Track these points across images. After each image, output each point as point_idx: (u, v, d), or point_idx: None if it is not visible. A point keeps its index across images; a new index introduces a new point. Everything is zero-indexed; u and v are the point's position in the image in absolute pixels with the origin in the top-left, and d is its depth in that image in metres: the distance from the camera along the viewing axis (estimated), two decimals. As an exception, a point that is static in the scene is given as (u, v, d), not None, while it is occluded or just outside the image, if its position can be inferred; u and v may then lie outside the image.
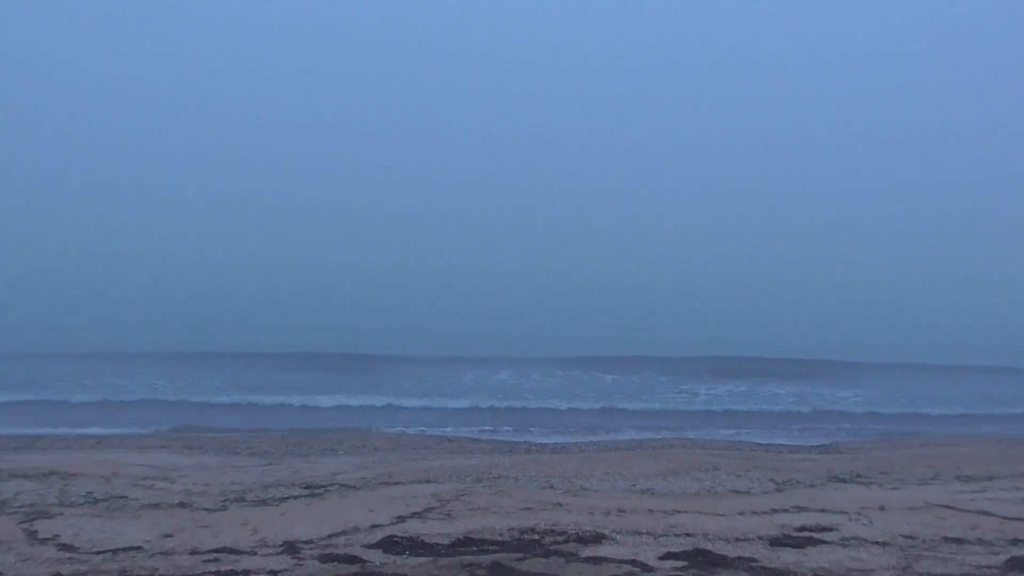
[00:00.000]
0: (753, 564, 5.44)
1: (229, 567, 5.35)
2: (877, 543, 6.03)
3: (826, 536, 6.22)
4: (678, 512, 7.07)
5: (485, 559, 5.42)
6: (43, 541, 6.06)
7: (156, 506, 7.30)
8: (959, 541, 6.12)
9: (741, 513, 7.10)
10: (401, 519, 6.67)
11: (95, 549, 5.86)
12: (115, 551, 5.80)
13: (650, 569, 5.27)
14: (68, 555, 5.71)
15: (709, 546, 5.88)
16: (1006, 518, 6.91)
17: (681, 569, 5.29)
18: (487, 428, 15.05)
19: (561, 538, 6.04)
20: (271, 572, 5.23)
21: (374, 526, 6.44)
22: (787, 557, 5.64)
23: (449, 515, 6.80)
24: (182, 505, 7.37)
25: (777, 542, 6.03)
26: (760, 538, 6.15)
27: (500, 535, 6.13)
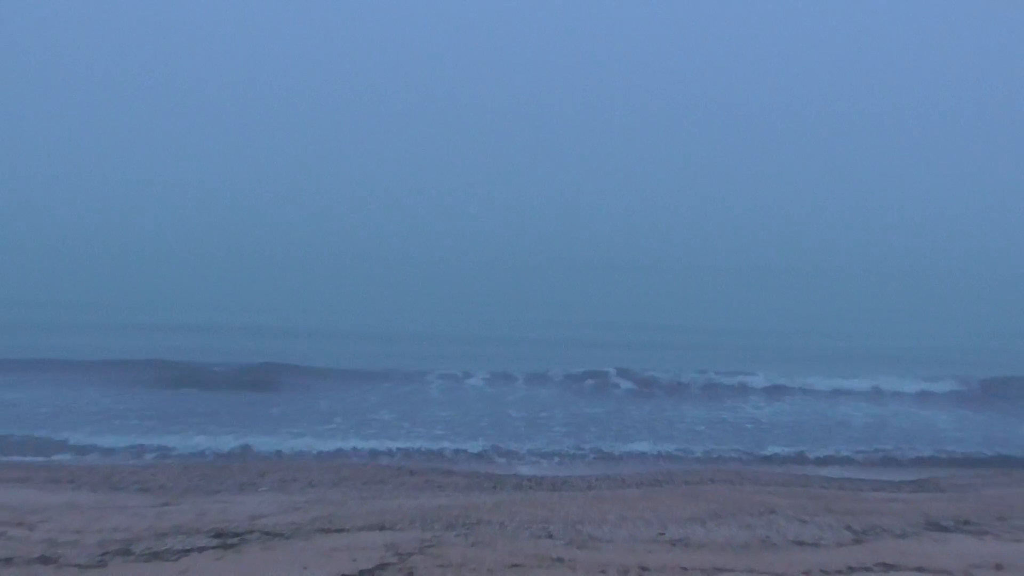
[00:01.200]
0: (824, 642, 5.40)
1: (108, 646, 5.25)
2: (991, 613, 6.00)
3: (922, 604, 6.19)
4: (721, 571, 7.03)
5: (460, 635, 5.34)
6: None
7: (8, 561, 7.18)
8: (1101, 611, 6.10)
9: (806, 572, 7.07)
10: (345, 579, 6.60)
11: (-77, 620, 5.75)
12: (-50, 623, 5.68)
13: (685, 649, 5.21)
14: None
15: (764, 617, 5.84)
16: None
17: (727, 649, 5.24)
18: (461, 456, 15.04)
19: (564, 606, 5.98)
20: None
21: (308, 589, 6.36)
22: (870, 632, 5.60)
23: (411, 574, 6.74)
24: (45, 560, 7.25)
25: (856, 612, 5.99)
26: (833, 606, 6.12)
27: (480, 602, 6.06)
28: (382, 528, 8.42)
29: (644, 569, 6.98)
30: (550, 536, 8.24)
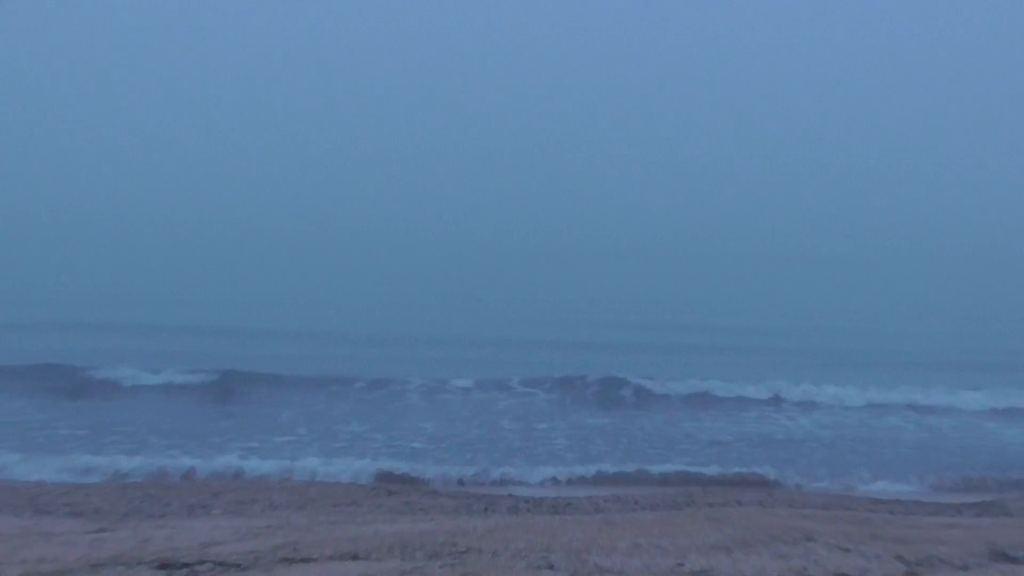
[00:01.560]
0: None
1: None
2: (1067, 657, 5.98)
3: (987, 646, 6.16)
4: (752, 607, 6.99)
5: None
6: None
7: (-83, 596, 7.13)
8: None
9: (852, 609, 7.04)
10: (312, 618, 6.56)
11: None
12: None
13: None
14: None
15: (803, 661, 5.81)
16: None
17: None
18: (447, 473, 15.02)
19: (569, 648, 5.95)
20: None
21: (269, 629, 6.32)
22: None
23: (389, 611, 6.70)
24: (-41, 595, 7.20)
25: (910, 655, 5.96)
26: (883, 648, 6.09)
27: (471, 643, 6.03)
28: (355, 558, 8.36)
29: (662, 605, 6.95)
30: (551, 567, 8.19)
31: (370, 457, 15.82)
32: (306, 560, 8.25)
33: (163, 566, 8.09)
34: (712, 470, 15.63)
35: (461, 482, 14.60)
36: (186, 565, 8.10)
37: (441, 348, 28.98)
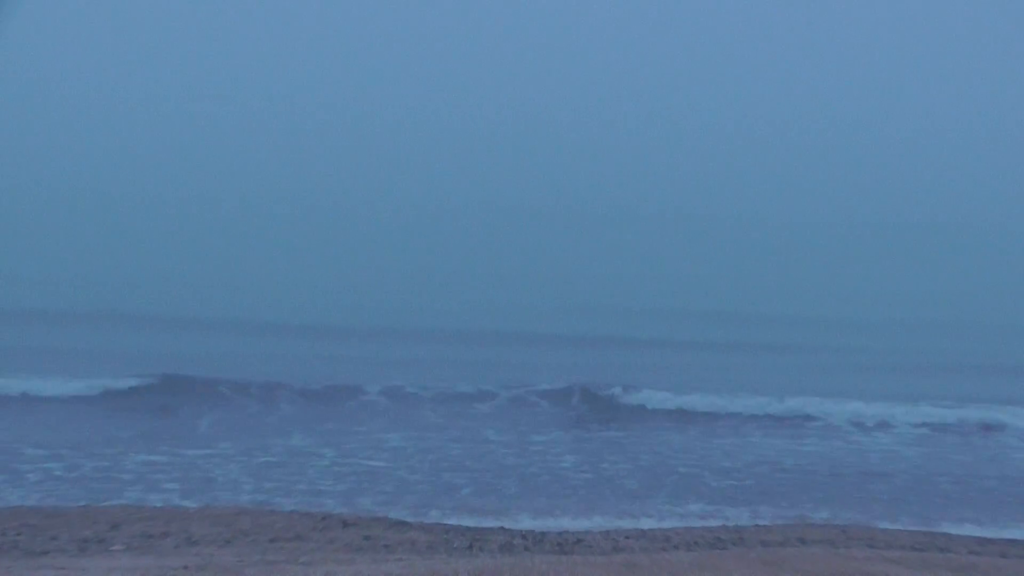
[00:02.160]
0: None
1: None
2: None
3: None
4: None
5: None
6: None
7: None
8: None
9: None
10: None
11: None
12: None
13: None
14: None
15: None
16: None
17: None
18: (419, 500, 14.99)
19: None
20: None
21: None
22: None
23: None
24: None
25: None
26: None
27: None
28: (301, 609, 8.24)
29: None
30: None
31: (317, 478, 15.76)
32: (236, 612, 8.11)
33: (45, 619, 7.94)
34: (766, 498, 15.59)
35: (438, 510, 14.50)
36: (76, 618, 7.95)
37: (411, 346, 29.12)
